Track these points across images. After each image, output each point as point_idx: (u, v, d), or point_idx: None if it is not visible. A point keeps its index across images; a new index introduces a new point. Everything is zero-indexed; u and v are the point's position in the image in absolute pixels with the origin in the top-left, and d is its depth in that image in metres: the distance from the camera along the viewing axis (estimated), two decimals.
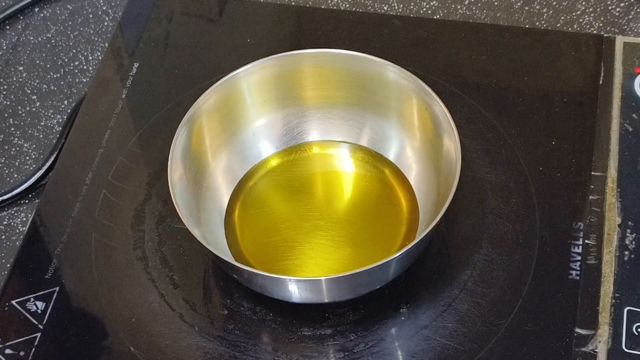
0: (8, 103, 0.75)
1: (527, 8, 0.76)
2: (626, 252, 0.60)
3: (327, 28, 0.76)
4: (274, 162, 0.66)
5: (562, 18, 0.75)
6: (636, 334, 0.56)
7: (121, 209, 0.65)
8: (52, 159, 0.69)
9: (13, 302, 0.61)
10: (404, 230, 0.62)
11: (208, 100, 0.62)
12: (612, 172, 0.63)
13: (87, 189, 0.67)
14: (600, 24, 0.74)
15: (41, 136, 0.72)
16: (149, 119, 0.71)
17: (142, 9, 0.79)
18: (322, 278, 0.55)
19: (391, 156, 0.65)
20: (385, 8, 0.78)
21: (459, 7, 0.77)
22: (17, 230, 0.67)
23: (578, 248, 0.60)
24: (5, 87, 0.76)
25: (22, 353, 0.59)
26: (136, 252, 0.63)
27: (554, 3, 0.76)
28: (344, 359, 0.57)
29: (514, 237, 0.61)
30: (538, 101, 0.68)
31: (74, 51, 0.78)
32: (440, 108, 0.60)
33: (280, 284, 0.56)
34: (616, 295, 0.58)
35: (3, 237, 0.66)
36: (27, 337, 0.59)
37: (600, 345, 0.56)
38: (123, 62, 0.75)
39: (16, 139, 0.72)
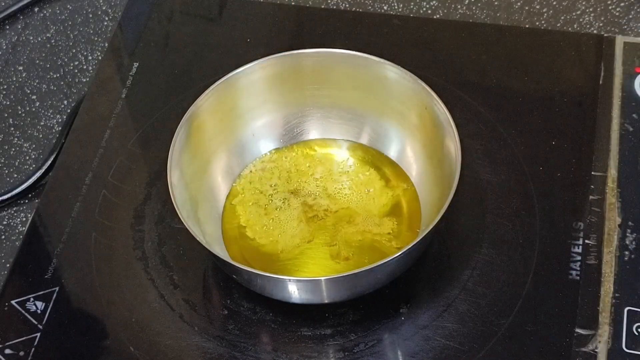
0: (8, 103, 0.75)
1: (527, 8, 0.76)
2: (626, 252, 0.60)
3: (327, 28, 0.76)
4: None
5: (562, 18, 0.75)
6: (636, 334, 0.56)
7: (121, 209, 0.65)
8: (51, 159, 0.69)
9: (13, 302, 0.61)
10: (404, 230, 0.62)
11: (208, 100, 0.62)
12: (612, 172, 0.63)
13: (87, 189, 0.67)
14: (600, 24, 0.74)
15: (41, 136, 0.72)
16: (148, 119, 0.71)
17: (142, 8, 0.79)
18: (322, 278, 0.55)
19: (391, 156, 0.65)
20: (385, 8, 0.78)
21: (459, 7, 0.77)
22: (17, 230, 0.67)
23: (578, 248, 0.60)
24: (5, 87, 0.76)
25: (21, 353, 0.59)
26: (136, 252, 0.63)
27: (554, 3, 0.76)
28: (344, 359, 0.57)
29: (514, 237, 0.61)
30: (538, 101, 0.68)
31: (74, 51, 0.78)
32: (440, 108, 0.60)
33: (279, 285, 0.56)
34: (616, 295, 0.58)
35: (3, 237, 0.66)
36: (27, 337, 0.59)
37: (601, 345, 0.56)
38: (123, 62, 0.75)
39: (16, 139, 0.72)
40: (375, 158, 0.66)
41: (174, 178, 0.59)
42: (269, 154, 0.67)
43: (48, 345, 0.59)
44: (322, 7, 0.78)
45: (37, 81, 0.76)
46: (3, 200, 0.68)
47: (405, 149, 0.65)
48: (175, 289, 0.61)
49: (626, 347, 0.56)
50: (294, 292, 0.56)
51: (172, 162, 0.59)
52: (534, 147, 0.66)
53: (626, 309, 0.57)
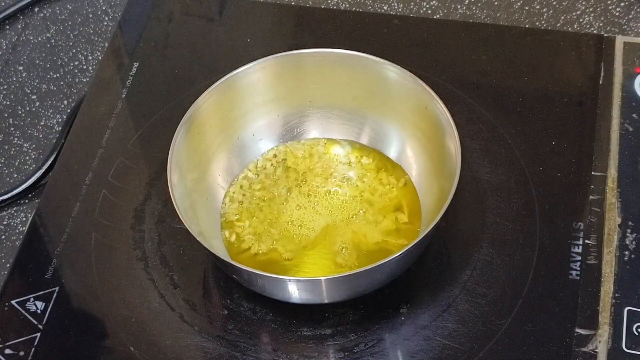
0: (8, 103, 0.75)
1: (527, 8, 0.76)
2: (626, 252, 0.60)
3: (327, 28, 0.76)
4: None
5: (562, 18, 0.75)
6: (636, 334, 0.56)
7: (121, 209, 0.65)
8: (52, 159, 0.69)
9: (13, 302, 0.61)
10: (404, 229, 0.62)
11: (208, 100, 0.62)
12: (612, 172, 0.63)
13: (87, 189, 0.67)
14: (600, 24, 0.74)
15: (41, 136, 0.72)
16: (148, 119, 0.71)
17: (142, 9, 0.79)
18: (322, 278, 0.55)
19: (391, 155, 0.65)
20: (385, 8, 0.78)
21: (459, 7, 0.77)
22: (17, 230, 0.67)
23: (578, 248, 0.60)
24: (5, 87, 0.76)
25: (21, 353, 0.59)
26: (136, 252, 0.63)
27: (554, 3, 0.76)
28: (344, 359, 0.57)
29: (514, 237, 0.61)
30: (538, 101, 0.68)
31: (74, 51, 0.78)
32: (440, 108, 0.60)
33: (279, 285, 0.56)
34: (616, 295, 0.58)
35: (3, 237, 0.66)
36: (27, 337, 0.59)
37: (601, 345, 0.56)
38: (123, 62, 0.75)
39: (16, 139, 0.72)
40: (375, 158, 0.66)
41: (174, 178, 0.59)
42: (269, 153, 0.67)
43: (48, 345, 0.59)
44: (322, 7, 0.78)
45: (37, 81, 0.76)
46: (3, 200, 0.68)
47: (405, 149, 0.65)
48: (175, 289, 0.61)
49: (626, 347, 0.56)
50: (294, 292, 0.56)
51: (172, 162, 0.59)
52: (534, 147, 0.66)
53: (626, 309, 0.57)
